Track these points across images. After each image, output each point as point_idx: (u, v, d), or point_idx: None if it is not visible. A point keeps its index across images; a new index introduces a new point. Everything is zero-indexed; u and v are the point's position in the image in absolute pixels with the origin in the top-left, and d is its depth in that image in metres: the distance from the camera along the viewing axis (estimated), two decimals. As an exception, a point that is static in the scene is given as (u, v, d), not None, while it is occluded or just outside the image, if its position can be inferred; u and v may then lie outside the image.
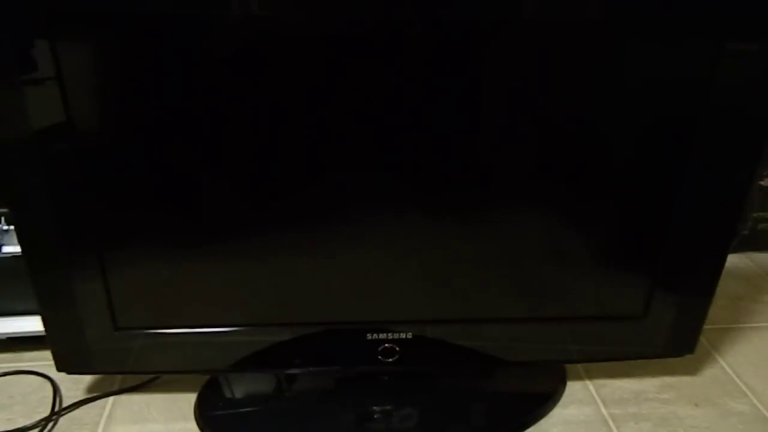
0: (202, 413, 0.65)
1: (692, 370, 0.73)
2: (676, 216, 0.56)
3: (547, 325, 0.62)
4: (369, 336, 0.61)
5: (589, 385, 0.71)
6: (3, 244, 0.69)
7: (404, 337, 0.61)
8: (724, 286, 0.87)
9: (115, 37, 0.47)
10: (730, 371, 0.74)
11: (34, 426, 0.63)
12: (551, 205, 0.56)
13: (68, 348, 0.59)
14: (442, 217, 0.56)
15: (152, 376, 0.70)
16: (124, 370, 0.64)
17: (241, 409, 0.67)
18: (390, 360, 0.62)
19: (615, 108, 0.52)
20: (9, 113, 0.48)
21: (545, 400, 0.68)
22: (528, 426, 0.65)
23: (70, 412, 0.66)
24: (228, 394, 0.68)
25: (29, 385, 0.69)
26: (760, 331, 0.81)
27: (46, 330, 0.58)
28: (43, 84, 0.47)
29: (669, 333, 0.63)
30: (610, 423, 0.66)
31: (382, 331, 0.61)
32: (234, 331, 0.60)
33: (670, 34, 0.49)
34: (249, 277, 0.58)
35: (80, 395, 0.68)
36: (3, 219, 0.69)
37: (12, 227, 0.68)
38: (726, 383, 0.72)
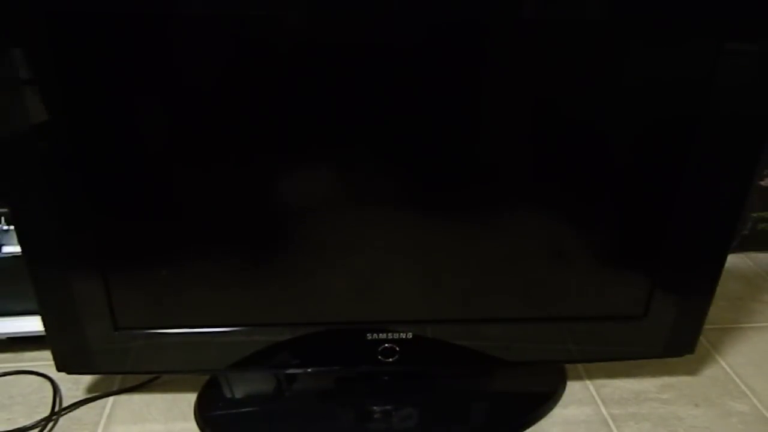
0: (202, 413, 0.65)
1: (692, 370, 0.73)
2: (676, 216, 0.56)
3: (547, 325, 0.62)
4: (369, 336, 0.61)
5: (589, 385, 0.71)
6: (3, 244, 0.69)
7: (404, 337, 0.61)
8: (724, 286, 0.87)
9: (115, 37, 0.47)
10: (730, 371, 0.74)
11: (34, 426, 0.63)
12: (552, 205, 0.56)
13: (68, 348, 0.59)
14: (443, 217, 0.56)
15: (152, 376, 0.70)
16: (124, 370, 0.64)
17: (241, 409, 0.67)
18: (390, 360, 0.62)
19: (615, 108, 0.52)
20: (9, 113, 0.48)
21: (545, 400, 0.68)
22: (528, 426, 0.65)
23: (70, 412, 0.66)
24: (228, 394, 0.68)
25: (29, 385, 0.69)
26: (760, 331, 0.81)
27: (46, 330, 0.58)
28: (42, 84, 0.47)
29: (669, 333, 0.63)
30: (610, 423, 0.66)
31: (382, 331, 0.61)
32: (234, 331, 0.60)
33: (671, 34, 0.49)
34: (249, 277, 0.58)
35: (80, 395, 0.68)
36: (3, 219, 0.69)
37: (12, 227, 0.68)
38: (726, 383, 0.72)
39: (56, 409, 0.66)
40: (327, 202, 0.55)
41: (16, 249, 0.67)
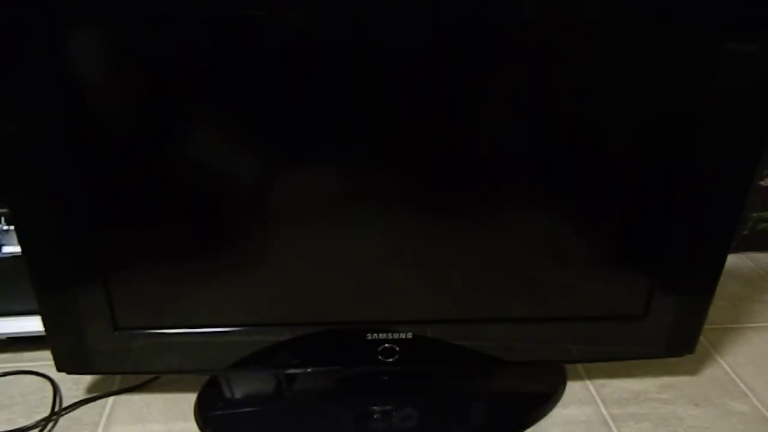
0: (202, 413, 0.65)
1: (692, 370, 0.73)
2: (676, 216, 0.56)
3: (547, 325, 0.62)
4: (369, 336, 0.61)
5: (589, 385, 0.71)
6: (3, 244, 0.69)
7: (404, 337, 0.61)
8: (724, 286, 0.87)
9: (116, 37, 0.47)
10: (730, 371, 0.74)
11: (34, 426, 0.63)
12: (552, 205, 0.56)
13: (68, 348, 0.59)
14: (443, 216, 0.56)
15: (152, 376, 0.70)
16: (124, 370, 0.64)
17: (241, 409, 0.67)
18: (390, 360, 0.62)
19: (615, 108, 0.52)
20: (9, 113, 0.48)
21: (545, 400, 0.68)
22: (528, 426, 0.65)
23: (70, 412, 0.66)
24: (228, 394, 0.68)
25: (29, 385, 0.69)
26: (760, 331, 0.81)
27: (46, 330, 0.58)
28: (43, 83, 0.47)
29: (669, 333, 0.63)
30: (610, 423, 0.66)
31: (382, 331, 0.61)
32: (234, 331, 0.60)
33: (671, 34, 0.49)
34: (249, 277, 0.58)
35: (80, 395, 0.68)
36: (3, 219, 0.69)
37: (12, 227, 0.68)
38: (726, 383, 0.72)
39: (56, 409, 0.66)
40: (327, 202, 0.55)
41: (16, 249, 0.67)
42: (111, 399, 0.68)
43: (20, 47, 0.46)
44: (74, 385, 0.69)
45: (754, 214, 0.97)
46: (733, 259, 0.97)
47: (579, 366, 0.73)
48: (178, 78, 0.49)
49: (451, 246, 0.57)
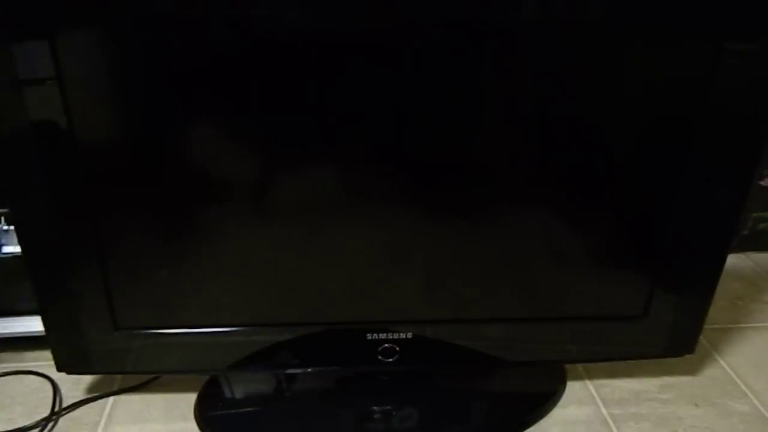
0: (202, 413, 0.65)
1: (692, 370, 0.73)
2: (676, 216, 0.56)
3: (547, 325, 0.62)
4: (369, 336, 0.61)
5: (589, 385, 0.71)
6: (3, 244, 0.69)
7: (404, 337, 0.61)
8: (724, 286, 0.86)
9: (115, 36, 0.47)
10: (730, 371, 0.74)
11: (34, 426, 0.63)
12: (551, 205, 0.56)
13: (68, 348, 0.59)
14: (443, 217, 0.56)
15: (152, 376, 0.70)
16: (124, 370, 0.64)
17: (241, 409, 0.67)
18: (390, 360, 0.62)
19: (615, 108, 0.52)
20: (9, 113, 0.48)
21: (545, 400, 0.68)
22: (528, 426, 0.65)
23: (70, 412, 0.66)
24: (228, 394, 0.68)
25: (29, 385, 0.69)
26: (760, 331, 0.81)
27: (46, 330, 0.58)
28: (43, 84, 0.47)
29: (669, 333, 0.63)
30: (610, 423, 0.66)
31: (382, 331, 0.61)
32: (234, 331, 0.60)
33: (671, 34, 0.49)
34: (249, 277, 0.58)
35: (80, 395, 0.68)
36: (3, 219, 0.69)
37: (12, 227, 0.68)
38: (726, 383, 0.72)
39: (56, 409, 0.66)
40: (327, 202, 0.55)
41: (16, 249, 0.67)
42: (111, 399, 0.68)
43: (20, 46, 0.46)
44: (74, 385, 0.69)
45: (754, 214, 0.97)
46: (733, 259, 0.97)
47: (579, 366, 0.73)
48: (178, 78, 0.49)
49: (451, 246, 0.57)
